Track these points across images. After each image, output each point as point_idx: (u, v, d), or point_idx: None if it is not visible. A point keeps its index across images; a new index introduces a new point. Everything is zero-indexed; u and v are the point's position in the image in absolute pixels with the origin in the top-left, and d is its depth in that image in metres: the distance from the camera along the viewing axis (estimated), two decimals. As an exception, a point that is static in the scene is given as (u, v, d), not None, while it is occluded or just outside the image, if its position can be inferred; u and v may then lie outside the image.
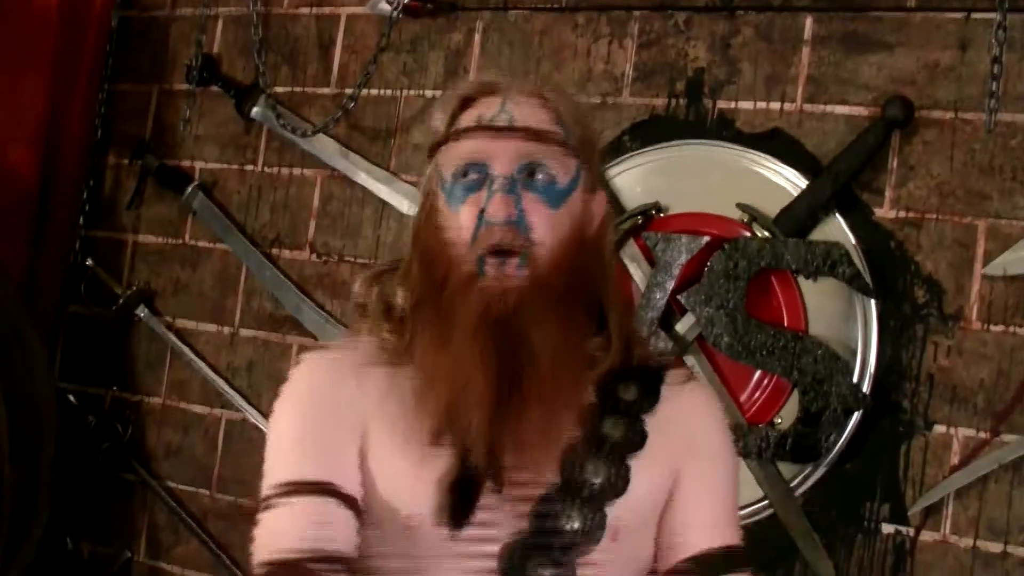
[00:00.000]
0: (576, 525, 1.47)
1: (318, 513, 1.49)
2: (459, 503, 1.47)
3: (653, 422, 1.55)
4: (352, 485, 1.52)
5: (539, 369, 1.46)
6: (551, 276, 1.50)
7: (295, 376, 1.62)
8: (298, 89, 3.18)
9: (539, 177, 1.51)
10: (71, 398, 3.24)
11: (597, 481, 1.49)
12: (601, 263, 1.61)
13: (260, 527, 1.49)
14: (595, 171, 1.61)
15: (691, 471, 1.57)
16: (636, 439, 1.53)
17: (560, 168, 1.52)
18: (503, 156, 1.50)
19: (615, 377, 1.57)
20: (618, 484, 1.49)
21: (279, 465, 1.54)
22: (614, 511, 1.48)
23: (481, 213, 1.49)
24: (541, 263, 1.50)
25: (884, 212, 2.47)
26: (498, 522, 1.48)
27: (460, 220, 1.51)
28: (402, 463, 1.50)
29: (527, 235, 1.49)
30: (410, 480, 1.50)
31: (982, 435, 2.35)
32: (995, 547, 2.32)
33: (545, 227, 1.50)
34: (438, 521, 1.46)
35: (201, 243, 3.27)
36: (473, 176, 1.51)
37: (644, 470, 1.52)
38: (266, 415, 2.90)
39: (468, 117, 1.55)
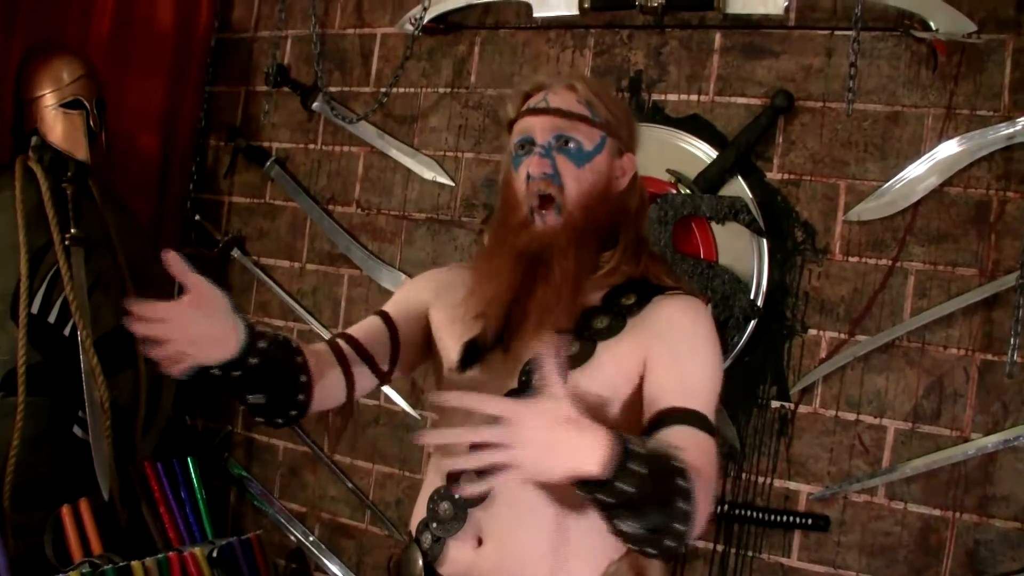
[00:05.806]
0: None
1: (376, 326, 1.69)
2: (465, 356, 1.59)
3: (635, 320, 1.54)
4: (407, 330, 1.68)
5: (549, 284, 1.53)
6: (577, 217, 1.54)
7: (420, 274, 1.83)
8: (346, 88, 3.13)
9: (570, 144, 1.56)
10: (185, 316, 3.13)
11: (567, 355, 1.51)
12: (625, 206, 1.63)
13: None
14: (622, 140, 1.63)
15: (657, 351, 1.51)
16: (612, 329, 1.54)
17: (585, 138, 1.57)
18: (541, 130, 1.57)
19: (624, 287, 1.58)
20: (579, 357, 1.51)
21: (387, 303, 1.75)
22: (577, 376, 1.50)
23: (529, 172, 1.57)
24: (571, 207, 1.54)
25: (773, 175, 2.49)
26: (498, 375, 1.55)
27: (519, 177, 1.58)
28: (453, 329, 1.64)
29: (560, 185, 1.54)
30: (453, 340, 1.62)
31: (842, 336, 2.40)
32: (850, 416, 2.39)
33: (572, 179, 1.55)
34: (457, 367, 1.60)
35: (277, 202, 3.26)
36: (525, 146, 1.58)
37: (610, 349, 1.53)
38: (327, 327, 3.13)
39: (524, 106, 1.63)
